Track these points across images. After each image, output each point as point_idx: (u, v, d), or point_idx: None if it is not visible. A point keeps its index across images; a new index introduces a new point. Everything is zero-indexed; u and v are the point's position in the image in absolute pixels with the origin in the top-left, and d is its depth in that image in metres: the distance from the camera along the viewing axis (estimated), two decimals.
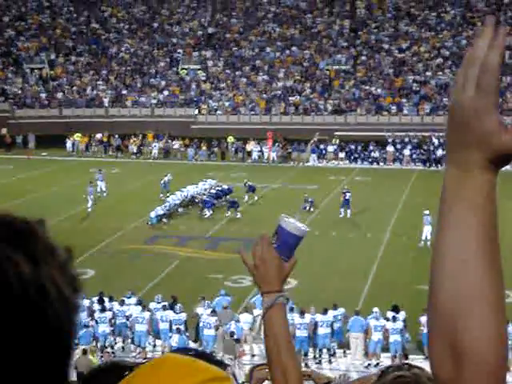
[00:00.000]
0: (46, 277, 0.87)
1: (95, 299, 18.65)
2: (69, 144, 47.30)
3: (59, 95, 52.82)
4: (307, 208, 31.10)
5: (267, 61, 54.63)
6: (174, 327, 17.44)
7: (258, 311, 18.57)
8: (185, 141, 46.15)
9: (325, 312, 17.82)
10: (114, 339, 18.48)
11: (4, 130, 48.65)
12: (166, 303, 18.53)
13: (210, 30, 58.59)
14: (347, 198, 30.05)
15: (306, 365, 17.44)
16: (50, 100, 52.36)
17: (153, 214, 29.34)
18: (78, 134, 47.46)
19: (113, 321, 18.20)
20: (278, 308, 2.20)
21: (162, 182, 34.17)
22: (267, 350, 2.22)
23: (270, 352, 2.21)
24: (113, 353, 18.12)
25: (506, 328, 1.05)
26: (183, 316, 17.89)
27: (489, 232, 1.03)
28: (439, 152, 41.96)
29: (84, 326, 17.75)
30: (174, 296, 19.10)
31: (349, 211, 29.90)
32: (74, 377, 10.61)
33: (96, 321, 18.00)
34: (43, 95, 52.82)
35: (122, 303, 18.57)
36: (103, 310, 18.22)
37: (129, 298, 19.07)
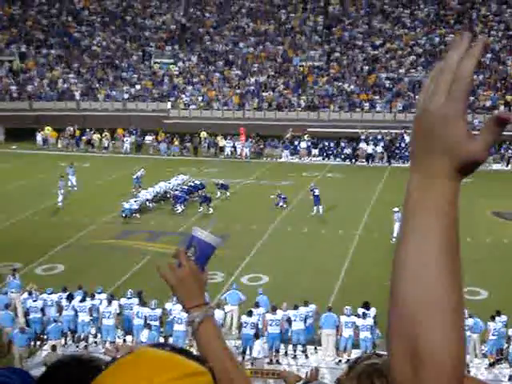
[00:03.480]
0: None
1: (64, 295, 18.65)
2: (39, 137, 46.80)
3: (29, 88, 52.15)
4: (280, 204, 31.09)
5: (241, 56, 54.50)
6: (152, 323, 17.50)
7: (229, 307, 18.53)
8: (157, 136, 45.84)
9: (296, 308, 17.83)
10: (97, 332, 18.54)
11: None
12: (137, 299, 18.50)
13: (183, 24, 58.27)
14: (316, 194, 29.94)
15: (278, 361, 17.43)
16: (21, 93, 51.70)
17: (127, 206, 29.19)
18: (48, 128, 46.95)
19: (92, 312, 18.32)
20: (209, 320, 2.19)
21: (135, 176, 33.96)
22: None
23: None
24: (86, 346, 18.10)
25: (465, 333, 1.04)
26: (158, 312, 17.92)
27: (450, 238, 1.04)
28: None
29: (53, 321, 17.66)
30: (140, 291, 19.01)
31: (321, 207, 29.83)
32: None
33: (76, 310, 18.19)
34: (13, 88, 52.13)
35: (92, 297, 18.67)
36: (83, 299, 18.36)
37: (99, 293, 19.03)
